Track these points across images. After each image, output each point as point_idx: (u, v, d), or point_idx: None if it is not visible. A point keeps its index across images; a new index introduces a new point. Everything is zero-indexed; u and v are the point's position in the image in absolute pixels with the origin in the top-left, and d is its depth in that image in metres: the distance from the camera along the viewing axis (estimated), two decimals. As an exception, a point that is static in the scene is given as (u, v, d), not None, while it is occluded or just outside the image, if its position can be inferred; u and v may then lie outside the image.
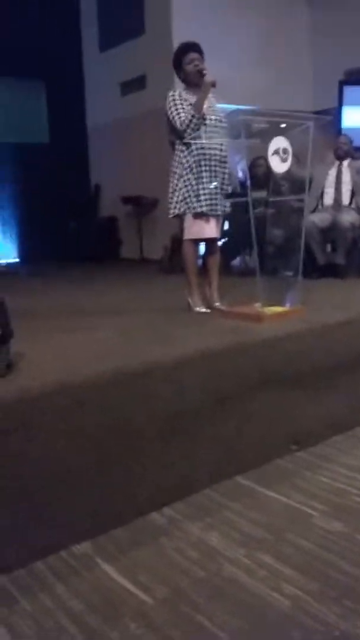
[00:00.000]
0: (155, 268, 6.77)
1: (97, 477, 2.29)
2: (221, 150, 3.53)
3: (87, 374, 2.33)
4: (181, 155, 3.53)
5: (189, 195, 3.51)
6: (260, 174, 5.06)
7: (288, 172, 3.44)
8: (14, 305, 2.52)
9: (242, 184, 4.19)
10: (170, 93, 3.55)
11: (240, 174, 5.44)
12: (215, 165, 3.51)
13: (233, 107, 3.65)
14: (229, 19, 7.51)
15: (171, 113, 3.50)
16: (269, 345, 2.89)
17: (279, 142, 3.28)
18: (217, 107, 3.59)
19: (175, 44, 7.49)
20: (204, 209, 3.51)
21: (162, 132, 7.22)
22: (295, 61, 8.20)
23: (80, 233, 8.69)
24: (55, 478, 2.17)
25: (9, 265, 8.14)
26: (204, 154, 3.48)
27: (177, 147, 3.55)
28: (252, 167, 4.49)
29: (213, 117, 3.51)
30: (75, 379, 2.28)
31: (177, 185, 3.55)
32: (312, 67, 8.36)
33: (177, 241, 6.75)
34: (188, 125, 3.44)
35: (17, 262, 8.53)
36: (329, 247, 5.41)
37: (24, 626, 1.80)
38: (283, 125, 3.41)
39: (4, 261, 7.92)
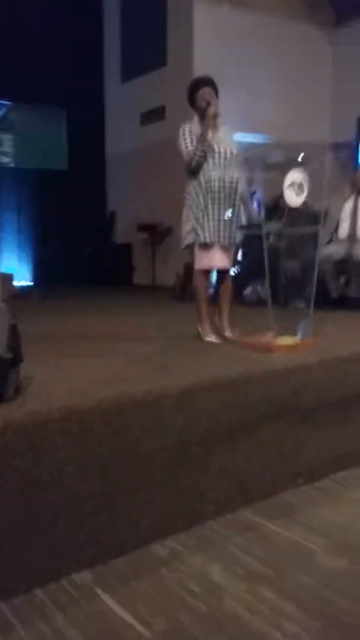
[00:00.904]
0: (167, 295, 6.80)
1: (102, 505, 2.28)
2: (231, 181, 3.56)
3: (96, 399, 2.33)
4: (190, 186, 3.59)
5: (196, 227, 3.55)
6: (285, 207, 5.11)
7: (303, 204, 3.48)
8: (26, 328, 2.54)
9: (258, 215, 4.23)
10: (182, 126, 3.62)
11: (255, 205, 5.50)
12: (224, 197, 3.54)
13: (249, 139, 3.71)
14: (249, 52, 7.67)
15: (179, 146, 3.57)
16: (279, 376, 2.88)
17: (295, 176, 3.32)
18: (230, 138, 3.64)
19: (196, 76, 7.71)
20: (208, 239, 3.54)
21: (179, 162, 7.32)
22: (315, 94, 8.32)
23: (94, 258, 8.78)
24: (60, 503, 2.16)
25: (22, 288, 8.21)
26: (212, 186, 3.52)
27: (189, 178, 3.61)
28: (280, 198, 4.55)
29: (224, 148, 3.55)
30: (83, 404, 2.28)
31: (186, 216, 3.61)
32: (330, 101, 8.47)
33: (189, 269, 6.81)
34: (192, 158, 3.49)
35: (30, 286, 8.61)
36: (342, 280, 5.42)
37: (20, 655, 1.78)
38: (300, 158, 3.45)
39: (18, 284, 7.99)
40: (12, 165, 8.99)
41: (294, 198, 3.33)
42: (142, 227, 8.49)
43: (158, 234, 8.37)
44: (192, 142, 3.52)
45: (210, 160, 3.51)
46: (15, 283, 7.62)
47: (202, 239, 3.55)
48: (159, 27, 8.32)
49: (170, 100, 8.21)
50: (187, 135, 3.55)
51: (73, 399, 2.34)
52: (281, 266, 3.84)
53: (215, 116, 3.52)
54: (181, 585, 2.12)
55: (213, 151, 3.51)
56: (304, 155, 3.46)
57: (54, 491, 2.16)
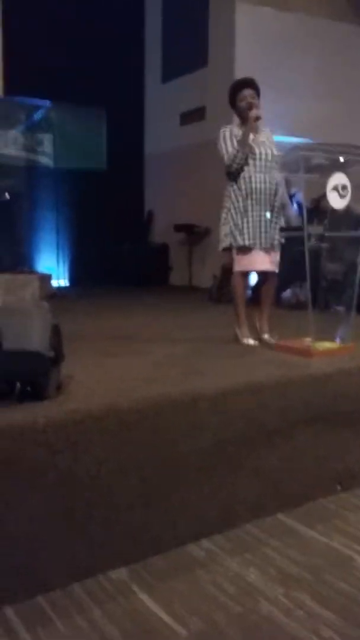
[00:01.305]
0: (204, 296, 6.80)
1: (138, 503, 2.30)
2: (272, 184, 3.55)
3: (134, 398, 2.36)
4: (230, 189, 3.60)
5: (234, 230, 3.56)
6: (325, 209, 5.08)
7: (347, 207, 3.44)
8: (64, 328, 2.57)
9: (298, 216, 4.20)
10: (222, 129, 3.62)
11: (295, 207, 5.45)
12: (264, 199, 3.54)
13: (291, 140, 3.69)
14: (291, 53, 7.61)
15: (220, 149, 3.58)
16: (318, 381, 2.86)
17: (339, 179, 3.29)
18: (271, 140, 3.63)
19: (238, 76, 7.68)
20: (247, 242, 3.54)
21: (218, 164, 7.29)
22: (357, 95, 8.20)
23: (132, 258, 8.83)
24: (97, 500, 2.19)
25: (60, 288, 8.31)
26: (252, 188, 3.52)
27: (227, 181, 3.62)
28: (320, 200, 4.52)
29: (265, 150, 3.54)
30: (122, 403, 2.31)
31: (225, 218, 3.62)
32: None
33: (227, 271, 6.79)
34: (233, 160, 3.50)
35: (67, 286, 8.70)
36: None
37: (58, 647, 1.80)
38: (342, 160, 3.41)
39: (56, 284, 8.09)
40: (51, 165, 9.09)
41: (337, 200, 3.30)
42: (180, 228, 8.50)
43: (195, 234, 8.37)
44: (232, 145, 3.53)
45: (250, 163, 3.51)
46: (53, 283, 7.71)
47: (240, 242, 3.55)
48: (200, 27, 8.32)
49: (211, 101, 8.20)
50: (228, 138, 3.56)
51: (111, 398, 2.38)
52: (322, 269, 3.80)
53: (257, 119, 3.52)
54: (217, 586, 2.13)
55: (254, 153, 3.51)
56: (347, 157, 3.42)
57: (92, 488, 2.19)
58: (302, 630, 1.88)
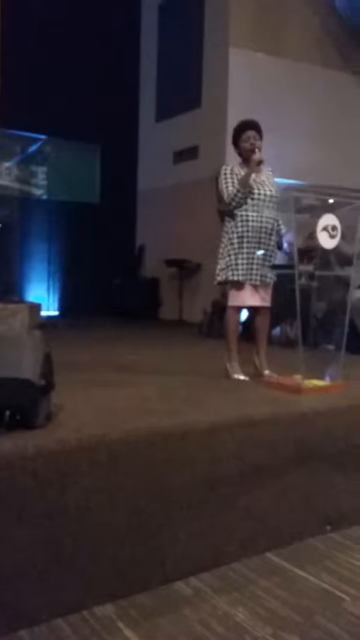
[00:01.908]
0: (194, 331, 6.81)
1: (126, 538, 2.26)
2: (268, 222, 3.62)
3: (124, 430, 2.34)
4: (228, 225, 3.68)
5: (230, 265, 3.62)
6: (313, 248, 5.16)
7: (336, 247, 3.50)
8: (54, 357, 2.55)
9: (287, 255, 4.25)
10: (224, 167, 3.72)
11: (285, 246, 5.52)
12: (260, 237, 3.61)
13: (285, 182, 3.77)
14: (283, 96, 7.79)
15: (221, 186, 3.67)
16: (308, 419, 2.86)
17: (328, 220, 3.35)
18: (271, 181, 3.71)
19: (230, 119, 7.86)
20: (240, 277, 3.61)
21: (210, 201, 7.38)
22: (350, 137, 8.38)
23: (122, 291, 8.86)
24: (84, 533, 2.15)
25: (49, 318, 8.29)
26: (248, 226, 3.60)
27: (226, 217, 3.68)
28: (308, 240, 4.59)
29: (264, 191, 3.62)
30: (113, 434, 2.28)
31: (222, 253, 3.70)
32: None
33: (218, 306, 6.84)
34: (233, 199, 3.58)
35: (57, 316, 8.68)
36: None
37: None
38: (331, 202, 3.49)
39: (45, 314, 8.07)
40: (44, 197, 9.18)
41: (327, 240, 3.36)
42: (171, 262, 8.55)
43: (186, 269, 8.43)
44: (233, 184, 3.62)
45: (248, 202, 3.59)
46: (43, 313, 7.69)
47: (234, 277, 3.61)
48: (194, 69, 8.52)
49: (204, 141, 8.36)
50: (229, 176, 3.65)
51: (102, 429, 2.35)
52: (312, 308, 3.83)
53: (260, 163, 3.61)
54: (205, 625, 2.08)
55: (252, 193, 3.59)
56: (336, 199, 3.50)
57: (80, 521, 2.15)
58: (292, 672, 1.84)
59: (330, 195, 3.52)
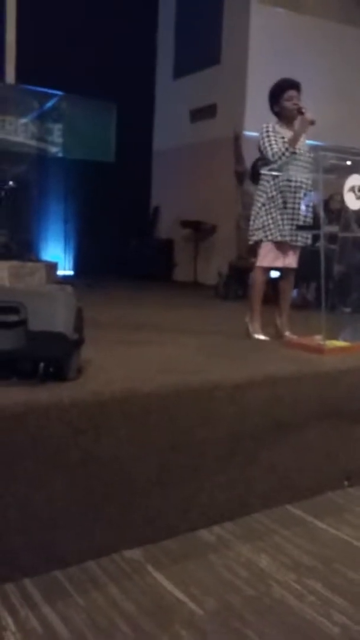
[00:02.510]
0: (210, 293, 6.85)
1: (155, 487, 2.34)
2: (304, 183, 3.61)
3: (155, 384, 2.40)
4: (266, 185, 3.64)
5: (269, 224, 3.61)
6: (334, 209, 5.15)
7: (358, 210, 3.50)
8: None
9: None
10: (264, 126, 3.67)
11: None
12: (296, 198, 3.61)
13: (312, 142, 3.75)
14: (303, 54, 7.64)
15: (264, 144, 3.63)
16: (331, 377, 2.91)
17: (356, 180, 3.34)
18: (304, 142, 3.69)
19: (250, 75, 7.74)
20: (279, 237, 3.59)
21: (228, 162, 7.32)
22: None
23: (136, 252, 8.88)
24: (115, 481, 2.23)
25: (65, 277, 8.34)
26: (289, 186, 3.59)
27: (262, 177, 3.67)
28: (328, 201, 4.57)
29: (303, 151, 3.62)
30: (143, 387, 2.35)
31: (258, 213, 3.68)
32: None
33: (234, 268, 6.87)
34: (280, 158, 3.57)
35: (71, 275, 8.73)
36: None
37: (79, 620, 1.85)
38: (348, 163, 3.47)
39: (61, 273, 8.12)
40: (60, 155, 9.12)
41: (354, 201, 3.36)
42: (186, 224, 8.54)
43: (202, 231, 8.41)
44: (276, 143, 3.58)
45: (292, 162, 3.58)
46: (59, 272, 7.73)
47: (278, 238, 3.62)
48: (214, 25, 8.35)
49: (222, 99, 8.25)
50: (272, 134, 3.62)
51: (132, 383, 2.42)
52: (335, 270, 3.85)
53: (312, 122, 3.58)
54: (230, 569, 2.18)
55: (295, 153, 3.58)
56: (357, 162, 3.49)
57: (111, 470, 2.23)
58: (315, 614, 1.93)
59: (356, 155, 3.50)
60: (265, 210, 3.64)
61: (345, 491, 2.90)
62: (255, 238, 3.70)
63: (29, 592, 1.97)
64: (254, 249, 3.85)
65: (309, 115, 3.58)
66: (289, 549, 2.34)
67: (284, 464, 2.72)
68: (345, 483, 2.92)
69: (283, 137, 3.61)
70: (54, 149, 9.13)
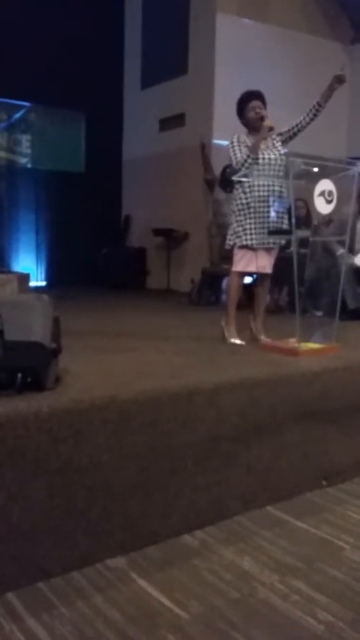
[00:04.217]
0: (183, 299, 6.87)
1: (135, 493, 2.34)
2: (274, 188, 3.67)
3: (134, 390, 2.40)
4: (236, 193, 3.75)
5: (241, 230, 3.68)
6: (300, 215, 5.23)
7: (331, 213, 3.56)
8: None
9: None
10: (233, 136, 3.77)
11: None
12: (267, 203, 3.65)
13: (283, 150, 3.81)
14: (269, 63, 7.74)
15: (230, 153, 3.73)
16: (306, 378, 2.95)
17: (325, 185, 3.40)
18: (278, 148, 3.75)
19: (217, 85, 7.80)
20: (247, 242, 3.66)
21: (196, 170, 7.36)
22: (332, 109, 8.37)
23: (109, 261, 8.87)
24: (97, 488, 2.23)
25: (37, 288, 8.29)
26: (254, 192, 3.65)
27: (235, 185, 3.74)
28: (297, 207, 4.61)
29: (268, 157, 3.67)
30: (122, 394, 2.35)
31: (232, 220, 3.76)
32: (347, 114, 8.57)
33: (207, 274, 6.90)
34: (243, 165, 3.65)
35: (44, 286, 8.68)
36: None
37: (64, 631, 1.83)
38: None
39: (33, 284, 8.06)
40: (29, 165, 9.09)
41: (323, 206, 3.41)
42: (158, 232, 8.56)
43: (174, 239, 8.44)
44: (241, 151, 3.68)
45: (255, 168, 3.64)
46: (31, 283, 7.67)
47: (244, 242, 3.68)
48: (180, 35, 8.41)
49: (190, 108, 8.31)
50: (236, 144, 3.71)
51: (111, 389, 2.42)
52: (307, 274, 3.90)
53: (271, 129, 3.68)
54: (213, 573, 2.18)
55: (258, 160, 3.65)
56: (331, 166, 3.55)
57: (92, 477, 2.23)
58: (300, 613, 1.95)
59: (325, 162, 3.56)
60: (237, 216, 3.71)
61: (323, 491, 2.94)
62: (230, 243, 3.78)
63: (12, 606, 1.96)
64: (228, 256, 3.90)
65: (267, 122, 3.67)
66: (271, 550, 2.36)
67: (263, 465, 2.75)
68: (324, 483, 2.96)
69: (247, 146, 3.70)
70: (23, 160, 9.10)
